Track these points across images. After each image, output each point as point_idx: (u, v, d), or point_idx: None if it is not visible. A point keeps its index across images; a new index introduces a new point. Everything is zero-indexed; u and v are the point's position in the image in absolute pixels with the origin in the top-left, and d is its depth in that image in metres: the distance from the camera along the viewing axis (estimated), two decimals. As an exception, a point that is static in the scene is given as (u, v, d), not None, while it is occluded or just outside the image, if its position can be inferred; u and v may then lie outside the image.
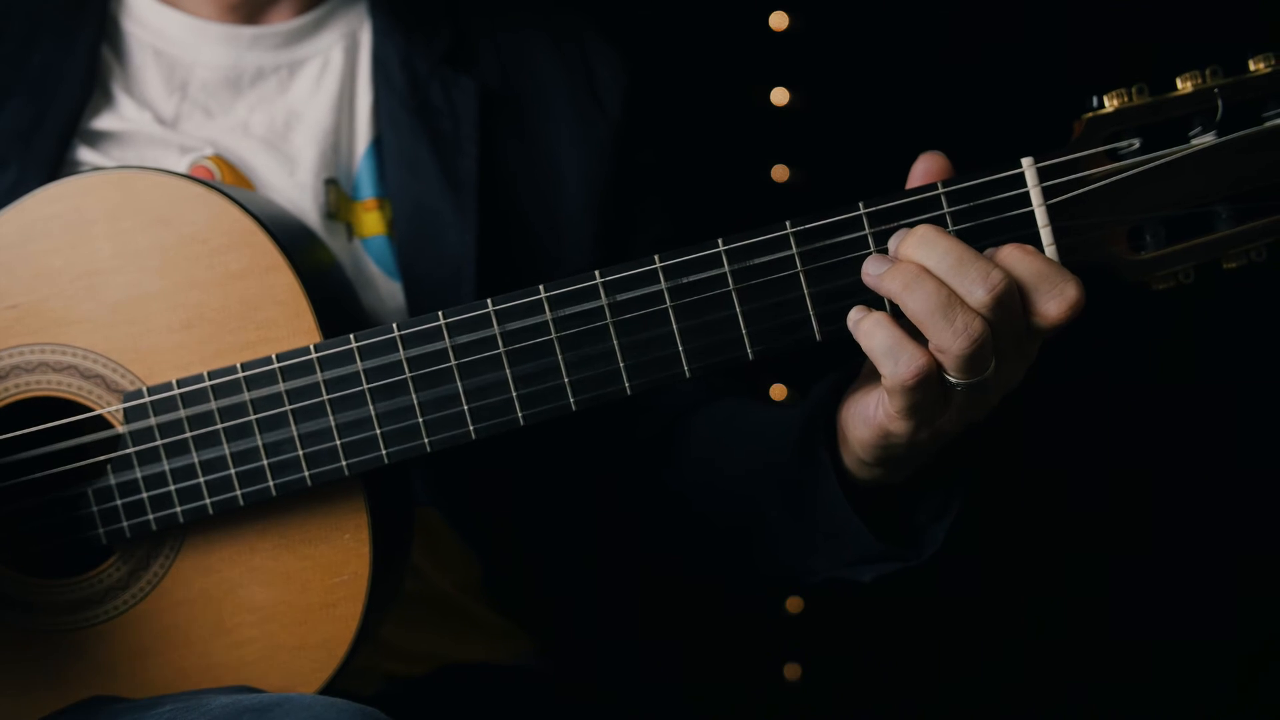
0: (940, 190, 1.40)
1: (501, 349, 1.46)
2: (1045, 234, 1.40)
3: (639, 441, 1.86)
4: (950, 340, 1.34)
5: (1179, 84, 1.40)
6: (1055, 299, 1.37)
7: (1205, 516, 2.86)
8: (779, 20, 2.72)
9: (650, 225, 1.97)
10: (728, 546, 1.79)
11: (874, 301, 1.41)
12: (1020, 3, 2.69)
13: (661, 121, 2.06)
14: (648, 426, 1.86)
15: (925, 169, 1.44)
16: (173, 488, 1.52)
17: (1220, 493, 2.85)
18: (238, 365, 1.50)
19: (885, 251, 1.41)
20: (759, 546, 1.73)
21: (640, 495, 1.88)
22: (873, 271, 1.40)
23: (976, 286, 1.34)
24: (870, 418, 1.44)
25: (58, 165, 1.76)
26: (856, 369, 1.51)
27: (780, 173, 2.75)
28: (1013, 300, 1.36)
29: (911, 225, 1.40)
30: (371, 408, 1.48)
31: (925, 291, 1.35)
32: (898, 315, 1.39)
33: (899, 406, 1.39)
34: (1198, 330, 2.72)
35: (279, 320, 1.52)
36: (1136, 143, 1.39)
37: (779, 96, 2.75)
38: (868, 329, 1.38)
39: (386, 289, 1.83)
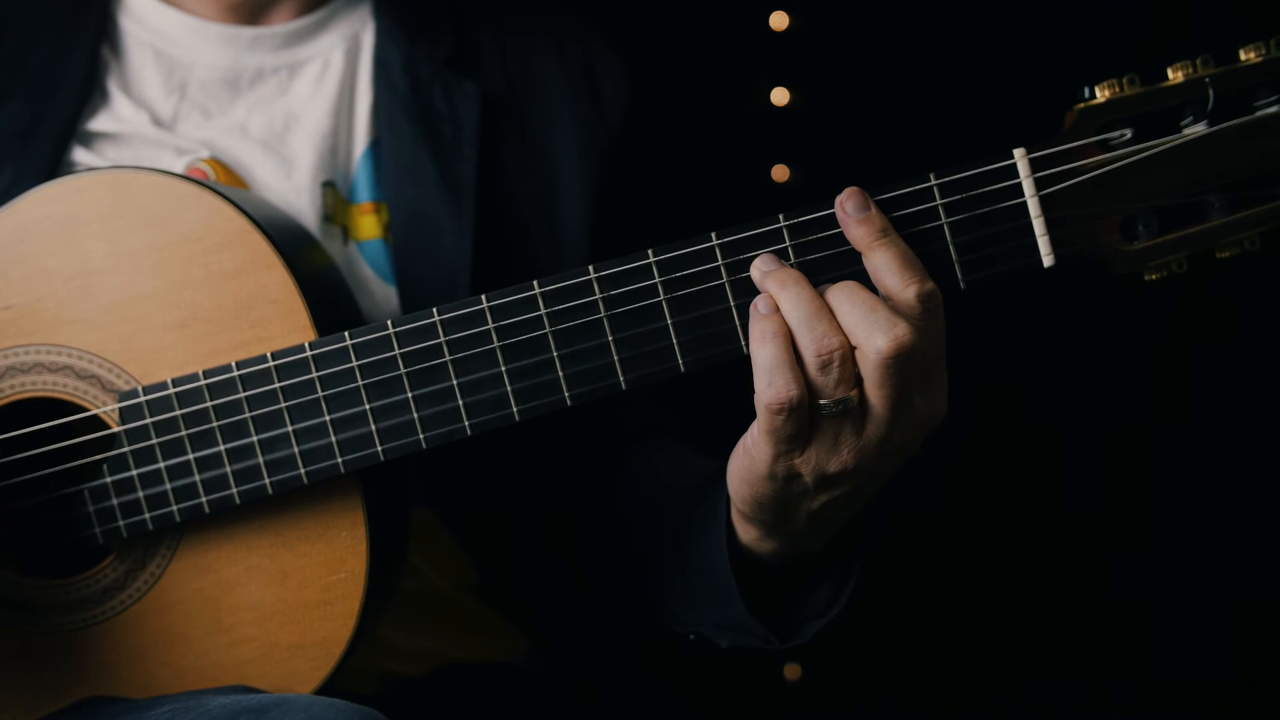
0: (933, 182, 1.41)
1: (496, 344, 1.46)
2: (1038, 225, 1.40)
3: (595, 447, 1.87)
4: (809, 346, 1.37)
5: (1170, 74, 1.40)
6: (885, 334, 1.37)
7: (1205, 516, 2.85)
8: (779, 20, 2.72)
9: (648, 235, 1.96)
10: (630, 575, 1.81)
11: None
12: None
13: (663, 129, 2.05)
14: (610, 435, 1.87)
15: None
16: (169, 487, 1.52)
17: (1220, 493, 2.84)
18: (233, 364, 1.50)
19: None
20: (651, 584, 1.75)
21: (583, 499, 1.89)
22: (761, 268, 1.42)
23: (879, 334, 1.37)
24: (740, 446, 1.46)
25: (54, 166, 1.76)
26: None
27: (780, 173, 2.75)
28: (912, 357, 1.37)
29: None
30: (366, 404, 1.48)
31: (798, 295, 1.39)
32: None
33: (763, 427, 1.40)
34: (1192, 319, 2.72)
35: (273, 319, 1.52)
36: (1128, 133, 1.39)
37: (779, 96, 2.75)
38: (759, 335, 1.40)
39: (381, 293, 1.82)
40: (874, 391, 1.38)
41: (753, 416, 1.42)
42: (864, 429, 1.40)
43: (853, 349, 1.38)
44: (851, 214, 1.40)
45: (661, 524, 1.69)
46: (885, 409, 1.39)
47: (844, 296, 1.39)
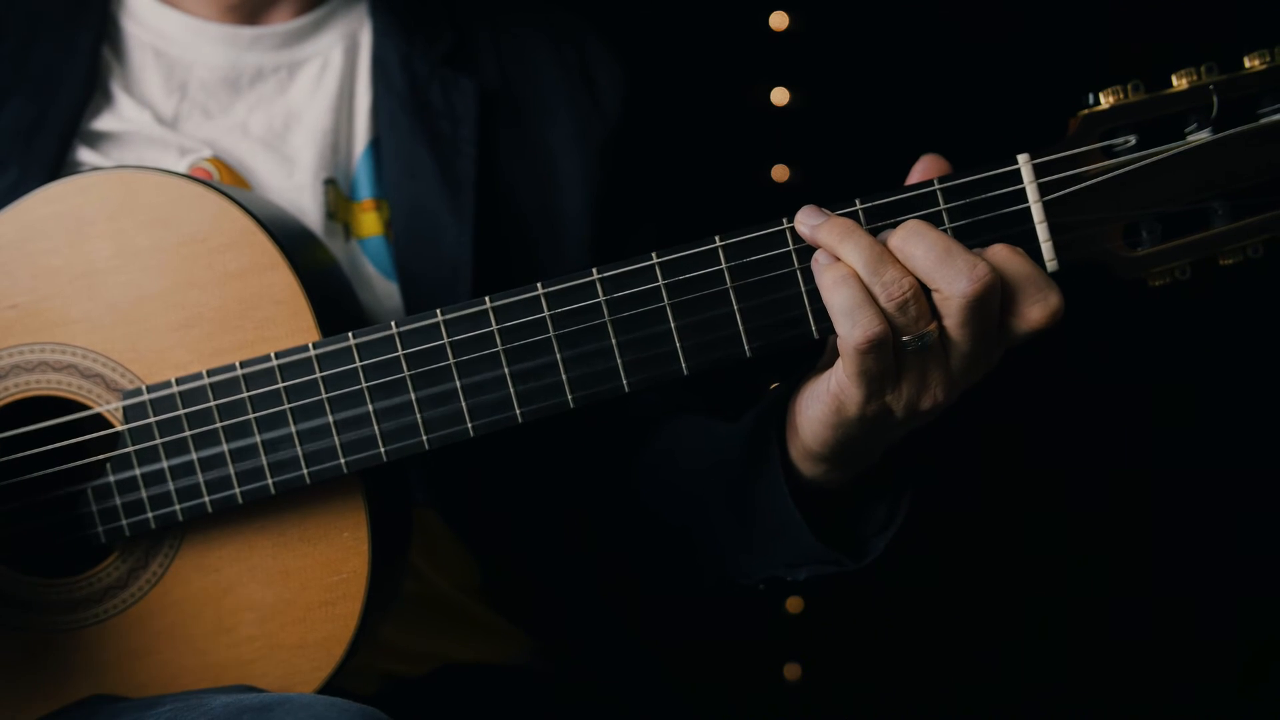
0: (936, 187, 1.41)
1: (499, 346, 1.46)
2: (1041, 230, 1.40)
3: (610, 437, 1.87)
4: (881, 291, 1.37)
5: (1175, 81, 1.40)
6: (1039, 304, 1.39)
7: (1205, 516, 2.86)
8: (779, 20, 2.72)
9: (648, 227, 1.97)
10: (674, 547, 1.80)
11: None
12: (1017, 1, 2.69)
13: (660, 124, 2.06)
14: (625, 423, 1.87)
15: (925, 170, 1.45)
16: (171, 486, 1.52)
17: (1220, 493, 2.85)
18: (236, 364, 1.50)
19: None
20: (701, 549, 1.75)
21: (600, 490, 1.89)
22: (808, 222, 1.41)
23: (961, 278, 1.36)
24: (823, 392, 1.45)
25: (58, 165, 1.76)
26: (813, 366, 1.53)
27: (780, 173, 2.76)
28: (993, 296, 1.37)
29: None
30: (370, 405, 1.48)
31: (858, 243, 1.38)
32: None
33: (852, 370, 1.40)
34: (1195, 328, 2.72)
35: (277, 319, 1.52)
36: (1132, 139, 1.39)
37: (779, 96, 2.75)
38: (832, 282, 1.39)
39: (383, 289, 1.83)
40: (959, 330, 1.38)
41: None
42: (950, 362, 1.41)
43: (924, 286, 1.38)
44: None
45: (708, 489, 1.69)
46: (971, 342, 1.39)
47: (915, 240, 1.38)
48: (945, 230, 1.41)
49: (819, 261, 1.40)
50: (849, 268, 1.39)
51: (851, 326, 1.37)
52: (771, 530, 1.59)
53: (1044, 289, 1.38)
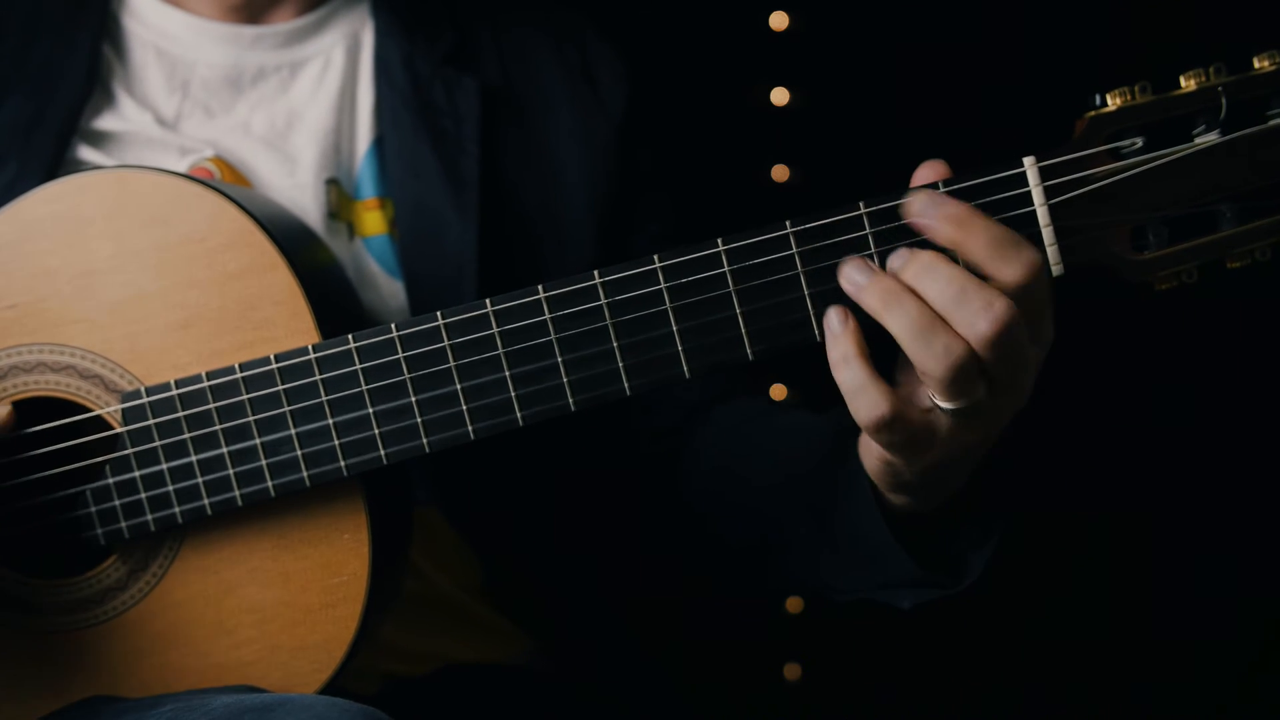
0: (941, 190, 1.40)
1: (500, 349, 1.45)
2: (1047, 234, 1.39)
3: (649, 438, 1.86)
4: (932, 364, 1.33)
5: (1182, 82, 1.39)
6: (1012, 263, 1.34)
7: (1205, 516, 2.85)
8: (779, 20, 2.72)
9: (651, 225, 1.97)
10: (738, 559, 1.79)
11: None
12: (1022, 1, 2.69)
13: (662, 122, 2.05)
14: (660, 420, 1.86)
15: (926, 178, 1.43)
16: (171, 488, 1.52)
17: (1220, 493, 2.85)
18: (236, 365, 1.50)
19: (871, 257, 1.40)
20: (775, 562, 1.73)
21: (649, 498, 1.88)
22: (856, 279, 1.38)
23: (979, 319, 1.32)
24: (873, 447, 1.42)
25: (57, 164, 1.76)
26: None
27: (780, 173, 2.75)
28: (1018, 328, 1.33)
29: (912, 245, 1.39)
30: (370, 408, 1.48)
31: (906, 311, 1.34)
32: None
33: (880, 442, 1.38)
34: (1200, 330, 2.72)
35: (277, 320, 1.52)
36: (1139, 141, 1.38)
37: (779, 96, 2.75)
38: (837, 361, 1.37)
39: (388, 288, 1.82)
40: (991, 368, 1.34)
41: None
42: (994, 400, 1.37)
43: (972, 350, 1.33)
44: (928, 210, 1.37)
45: (789, 504, 1.67)
46: (1008, 376, 1.36)
47: (928, 279, 1.35)
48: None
49: (830, 325, 1.38)
50: (854, 344, 1.36)
51: (857, 407, 1.35)
52: (866, 558, 1.55)
53: (1013, 247, 1.35)
